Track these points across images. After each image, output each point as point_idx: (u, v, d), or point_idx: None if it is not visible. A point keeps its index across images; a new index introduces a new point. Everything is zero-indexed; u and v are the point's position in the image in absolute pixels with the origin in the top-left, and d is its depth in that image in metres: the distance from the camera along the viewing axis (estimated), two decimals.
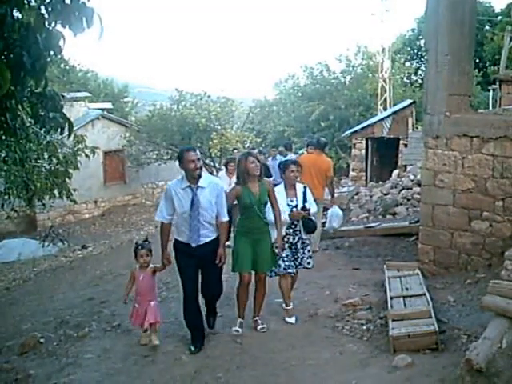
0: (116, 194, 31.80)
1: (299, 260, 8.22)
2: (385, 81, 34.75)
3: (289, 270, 8.06)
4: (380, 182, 23.61)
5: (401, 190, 17.58)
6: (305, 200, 8.26)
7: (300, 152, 14.56)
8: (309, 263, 8.33)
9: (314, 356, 6.87)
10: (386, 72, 34.97)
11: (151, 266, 7.58)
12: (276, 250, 7.78)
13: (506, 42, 28.97)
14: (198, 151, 7.28)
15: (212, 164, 30.47)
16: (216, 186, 7.35)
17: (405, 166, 24.05)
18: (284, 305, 8.25)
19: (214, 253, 7.28)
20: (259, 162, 7.66)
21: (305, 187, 8.45)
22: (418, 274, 8.72)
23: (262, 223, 7.69)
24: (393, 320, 6.95)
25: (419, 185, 13.01)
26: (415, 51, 43.51)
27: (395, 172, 22.51)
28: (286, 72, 40.52)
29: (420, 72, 41.38)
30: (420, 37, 40.89)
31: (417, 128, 27.22)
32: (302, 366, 6.68)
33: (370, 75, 36.75)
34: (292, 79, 39.76)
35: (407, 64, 41.38)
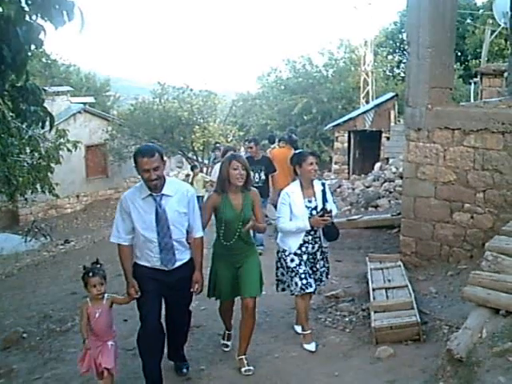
0: (98, 188, 31.72)
1: (318, 274, 6.91)
2: (367, 74, 34.76)
3: (307, 290, 6.67)
4: (362, 175, 23.70)
5: (383, 183, 17.67)
6: (325, 200, 6.79)
7: (272, 146, 14.57)
8: (326, 277, 7.10)
9: (296, 348, 6.89)
10: (368, 65, 34.99)
11: (106, 296, 5.78)
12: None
13: (487, 36, 29.07)
14: (158, 155, 5.50)
15: (195, 158, 30.43)
16: (186, 192, 5.79)
17: (387, 159, 24.13)
18: (300, 329, 7.08)
19: (185, 279, 5.87)
20: (246, 169, 6.14)
21: (323, 184, 6.99)
22: (400, 265, 8.77)
23: (245, 244, 6.32)
24: (375, 312, 6.98)
25: (401, 177, 13.08)
26: (398, 44, 43.49)
27: (377, 165, 22.57)
28: (269, 66, 40.49)
29: (402, 65, 41.35)
30: (402, 30, 40.87)
31: (399, 121, 27.28)
32: (285, 357, 6.68)
33: (353, 68, 36.76)
34: (275, 73, 39.70)
35: (390, 57, 41.43)
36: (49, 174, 13.08)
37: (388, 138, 26.34)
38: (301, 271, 6.67)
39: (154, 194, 5.58)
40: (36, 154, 12.84)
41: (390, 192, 16.49)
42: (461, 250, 8.97)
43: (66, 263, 16.65)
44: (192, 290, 5.94)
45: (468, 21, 36.52)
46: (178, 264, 5.77)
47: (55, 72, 38.06)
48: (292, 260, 6.71)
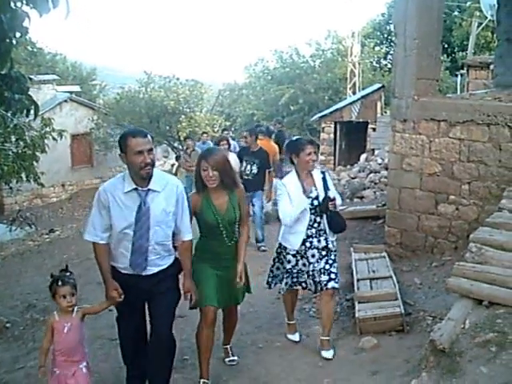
0: (84, 177, 31.61)
1: (333, 267, 6.29)
2: (354, 65, 34.78)
3: (294, 287, 6.51)
4: (348, 166, 23.72)
5: (368, 174, 17.71)
6: (326, 188, 6.26)
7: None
8: (337, 276, 6.33)
9: (281, 338, 6.91)
10: (355, 56, 35.00)
11: (76, 308, 5.02)
12: (236, 281, 5.67)
13: (474, 28, 29.16)
14: (150, 137, 4.92)
15: (181, 147, 30.37)
16: (175, 188, 5.10)
17: (373, 150, 24.21)
18: (293, 337, 6.81)
19: (163, 285, 5.16)
20: (218, 169, 5.40)
21: (323, 172, 6.48)
22: (384, 256, 8.79)
23: (231, 247, 5.68)
24: (359, 302, 7.01)
25: (387, 168, 13.10)
26: (385, 36, 43.48)
27: (363, 156, 22.65)
28: (256, 56, 40.48)
29: (389, 56, 41.34)
30: (390, 21, 40.88)
31: (385, 112, 27.31)
32: (269, 347, 6.71)
33: (340, 59, 36.79)
34: (262, 63, 39.67)
35: (377, 48, 41.42)
36: (34, 162, 13.04)
37: (374, 129, 26.40)
38: (294, 272, 6.31)
39: (140, 189, 4.89)
40: (21, 143, 12.80)
41: (376, 183, 16.53)
42: (445, 242, 9.00)
43: (51, 252, 16.61)
44: (185, 299, 5.35)
45: (455, 13, 36.56)
46: (153, 270, 5.07)
47: (41, 60, 37.83)
48: (289, 261, 6.29)
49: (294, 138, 6.91)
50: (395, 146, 9.41)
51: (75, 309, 5.00)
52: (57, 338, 4.92)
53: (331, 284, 6.18)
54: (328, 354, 6.24)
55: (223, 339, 6.36)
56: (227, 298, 5.80)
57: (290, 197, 6.14)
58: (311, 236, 6.20)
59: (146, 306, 5.37)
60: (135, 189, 4.90)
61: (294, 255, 6.28)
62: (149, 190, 4.92)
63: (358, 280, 7.86)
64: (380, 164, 18.24)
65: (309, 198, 6.14)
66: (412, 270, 8.74)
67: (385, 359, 5.95)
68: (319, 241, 6.23)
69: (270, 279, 6.63)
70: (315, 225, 6.21)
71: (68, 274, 5.06)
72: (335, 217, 6.27)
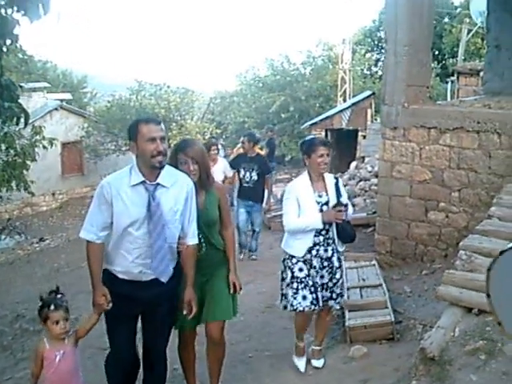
0: (74, 185, 31.53)
1: (337, 287, 5.90)
2: (345, 72, 34.81)
3: (313, 307, 5.76)
4: (338, 174, 23.67)
5: (359, 182, 17.69)
6: (338, 194, 5.82)
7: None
8: (340, 296, 6.00)
9: (271, 347, 6.88)
10: (346, 63, 35.03)
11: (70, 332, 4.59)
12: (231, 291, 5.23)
13: (464, 35, 29.27)
14: (163, 126, 4.60)
15: None
16: (185, 185, 4.67)
17: (363, 158, 24.18)
18: (300, 365, 6.16)
19: (165, 297, 4.72)
20: (198, 162, 4.94)
21: (336, 177, 6.05)
22: (374, 264, 8.76)
23: (211, 251, 5.10)
24: (349, 310, 6.97)
25: (377, 176, 13.09)
26: (376, 42, 43.61)
27: (353, 163, 22.62)
28: (247, 63, 40.49)
29: (380, 63, 41.50)
30: (381, 28, 41.01)
31: (376, 120, 27.36)
32: (259, 357, 6.68)
33: (331, 66, 36.83)
34: (253, 70, 39.69)
35: (368, 55, 41.55)
36: (24, 171, 13.05)
37: (364, 137, 26.41)
38: (310, 283, 5.68)
39: (148, 182, 4.48)
40: (11, 151, 12.80)
41: (366, 191, 16.51)
42: (435, 249, 9.00)
43: (41, 262, 16.63)
44: (184, 312, 4.79)
45: (445, 20, 36.73)
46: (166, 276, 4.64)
47: (32, 68, 37.72)
48: (301, 269, 5.71)
49: (308, 138, 6.32)
50: (385, 153, 9.40)
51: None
52: (48, 369, 4.43)
53: (331, 303, 5.92)
54: (318, 363, 6.10)
55: (209, 381, 5.55)
56: (208, 310, 5.15)
57: (299, 201, 5.69)
58: (318, 244, 5.73)
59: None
60: (143, 182, 4.47)
61: (304, 262, 5.73)
62: (157, 184, 4.50)
63: (348, 288, 7.82)
64: (370, 172, 18.22)
65: (318, 203, 5.72)
66: (402, 278, 8.73)
67: (375, 368, 5.92)
68: (326, 250, 5.77)
69: (281, 298, 6.08)
70: (323, 232, 5.73)
71: (59, 296, 4.61)
72: (346, 225, 5.78)
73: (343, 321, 6.96)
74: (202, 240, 4.99)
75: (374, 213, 11.16)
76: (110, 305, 4.55)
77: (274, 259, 9.23)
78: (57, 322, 4.44)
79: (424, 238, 9.10)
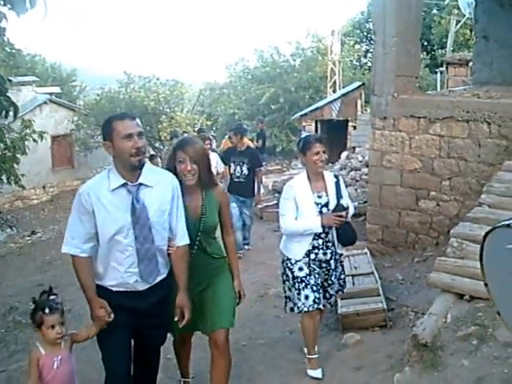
0: (65, 178, 31.42)
1: (331, 288, 5.74)
2: (334, 63, 34.77)
3: (317, 306, 5.48)
4: (329, 164, 23.73)
5: (349, 172, 17.74)
6: (339, 195, 5.53)
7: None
8: (342, 291, 5.92)
9: (264, 335, 6.93)
10: (335, 55, 34.98)
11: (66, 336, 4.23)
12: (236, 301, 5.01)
13: (452, 26, 29.36)
14: (139, 121, 4.21)
15: (162, 147, 30.31)
16: (170, 183, 4.36)
17: (353, 148, 24.22)
18: (306, 351, 5.89)
19: (162, 305, 4.43)
20: (196, 162, 4.56)
21: (337, 176, 5.73)
22: (366, 253, 8.81)
23: (209, 259, 4.78)
24: (342, 298, 7.01)
25: (367, 166, 13.16)
26: (365, 34, 43.52)
27: (344, 154, 22.65)
28: (236, 55, 40.38)
29: (369, 54, 41.43)
30: (370, 19, 40.93)
31: (366, 110, 27.33)
32: (252, 345, 6.72)
33: (320, 58, 36.77)
34: (242, 62, 39.60)
35: (357, 46, 41.48)
36: (14, 164, 13.01)
37: (355, 127, 26.42)
38: (312, 282, 5.45)
39: (130, 184, 4.13)
40: (1, 145, 12.76)
41: (357, 180, 16.56)
42: (427, 237, 9.06)
43: (33, 254, 16.61)
44: (176, 318, 4.44)
45: (434, 11, 36.71)
46: (158, 279, 4.33)
47: (20, 62, 37.54)
48: (301, 269, 5.47)
49: (303, 136, 6.11)
50: (375, 143, 9.46)
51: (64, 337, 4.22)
52: (46, 377, 4.09)
53: (324, 302, 5.69)
54: (316, 373, 5.69)
55: None
56: (208, 318, 4.85)
57: (297, 202, 5.41)
58: (317, 247, 5.49)
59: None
60: (124, 184, 4.12)
61: (305, 262, 5.49)
62: (140, 184, 4.16)
63: None
64: (361, 161, 18.26)
65: (317, 204, 5.42)
66: (394, 266, 8.79)
67: (368, 355, 5.97)
68: (325, 253, 5.52)
69: (285, 301, 5.88)
70: (322, 235, 5.45)
71: (53, 297, 4.25)
72: (347, 228, 5.50)
73: (336, 309, 7.01)
74: (196, 247, 4.66)
75: (365, 202, 11.21)
76: (112, 315, 4.18)
77: (267, 249, 9.33)
78: (52, 327, 4.10)
79: (415, 227, 9.16)
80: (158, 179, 4.28)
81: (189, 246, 4.52)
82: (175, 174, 4.54)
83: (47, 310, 4.08)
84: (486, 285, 2.49)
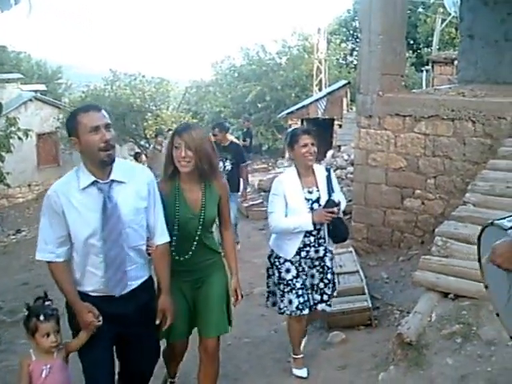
0: (50, 177, 31.13)
1: (328, 288, 5.44)
2: (320, 62, 34.77)
3: (304, 312, 5.27)
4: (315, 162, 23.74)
5: (335, 170, 17.72)
6: (330, 189, 5.26)
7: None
8: (322, 302, 5.46)
9: (249, 334, 6.92)
10: (321, 53, 34.97)
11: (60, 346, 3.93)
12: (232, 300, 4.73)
13: (438, 25, 29.47)
14: (105, 112, 3.86)
15: (148, 145, 30.25)
16: (145, 178, 4.04)
17: (339, 147, 24.26)
18: (301, 372, 5.62)
19: (146, 309, 4.09)
20: (192, 149, 4.22)
21: (328, 169, 5.46)
22: (351, 251, 8.79)
23: (207, 253, 4.52)
24: None
25: (353, 164, 13.18)
26: (351, 32, 43.56)
27: (330, 152, 22.68)
28: (223, 53, 40.37)
29: (355, 53, 41.52)
30: (356, 18, 41.00)
31: (351, 109, 27.38)
32: (237, 344, 6.70)
33: (306, 56, 36.77)
34: (228, 60, 39.55)
35: (343, 45, 41.50)
36: (0, 163, 12.94)
37: (340, 126, 26.47)
38: (298, 285, 5.22)
39: (101, 181, 3.81)
40: None
41: (342, 179, 16.56)
42: (412, 236, 9.08)
43: (18, 253, 16.51)
44: (157, 322, 4.14)
45: (420, 9, 36.82)
46: (132, 286, 3.98)
47: (5, 59, 37.40)
48: (288, 270, 5.24)
49: (290, 129, 5.88)
50: (361, 141, 9.47)
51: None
52: None
53: (322, 306, 5.46)
54: (301, 372, 5.61)
55: None
56: (202, 322, 4.63)
57: (287, 199, 5.13)
58: (308, 245, 5.23)
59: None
60: (94, 182, 3.80)
61: (292, 262, 5.25)
62: (112, 181, 3.84)
63: None
64: (346, 160, 18.28)
65: (308, 200, 5.17)
66: (379, 265, 8.81)
67: (353, 353, 5.97)
68: (317, 251, 5.28)
69: (267, 295, 5.65)
70: (314, 232, 5.19)
71: (48, 303, 4.01)
72: (339, 224, 5.22)
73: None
74: (196, 243, 4.40)
75: (350, 201, 11.22)
76: (101, 317, 3.87)
77: (252, 248, 9.31)
78: (47, 335, 3.84)
79: (400, 225, 9.18)
80: (131, 174, 3.95)
81: (188, 241, 4.36)
82: (172, 159, 4.32)
83: (42, 317, 3.84)
84: (486, 287, 2.49)
